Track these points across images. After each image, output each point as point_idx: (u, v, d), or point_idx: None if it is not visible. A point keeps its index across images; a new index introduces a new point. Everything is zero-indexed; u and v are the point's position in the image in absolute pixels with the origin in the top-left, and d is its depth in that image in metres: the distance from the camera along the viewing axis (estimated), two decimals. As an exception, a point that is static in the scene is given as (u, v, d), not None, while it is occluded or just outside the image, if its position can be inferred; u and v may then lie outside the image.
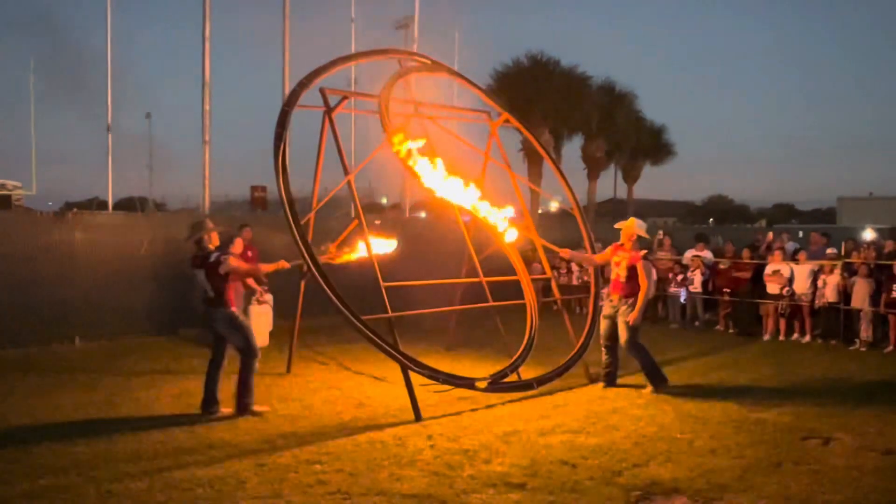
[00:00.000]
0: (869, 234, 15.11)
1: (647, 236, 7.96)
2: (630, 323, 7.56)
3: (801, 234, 15.20)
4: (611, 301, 7.81)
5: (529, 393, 7.36)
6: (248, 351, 6.54)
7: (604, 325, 7.89)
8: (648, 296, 7.64)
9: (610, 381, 7.86)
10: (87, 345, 9.96)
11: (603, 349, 7.90)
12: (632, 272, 7.62)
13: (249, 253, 10.39)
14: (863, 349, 10.30)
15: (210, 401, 6.54)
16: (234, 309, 6.57)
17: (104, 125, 12.36)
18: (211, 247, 6.56)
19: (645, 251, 7.79)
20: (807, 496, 4.69)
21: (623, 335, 7.65)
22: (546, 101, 23.69)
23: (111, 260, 10.41)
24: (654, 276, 8.16)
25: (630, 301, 7.60)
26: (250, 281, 9.81)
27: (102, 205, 13.92)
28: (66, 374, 8.09)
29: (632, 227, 7.76)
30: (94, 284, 10.22)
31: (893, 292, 10.17)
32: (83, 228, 10.26)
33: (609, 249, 8.01)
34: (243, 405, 6.50)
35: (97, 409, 6.63)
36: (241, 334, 6.57)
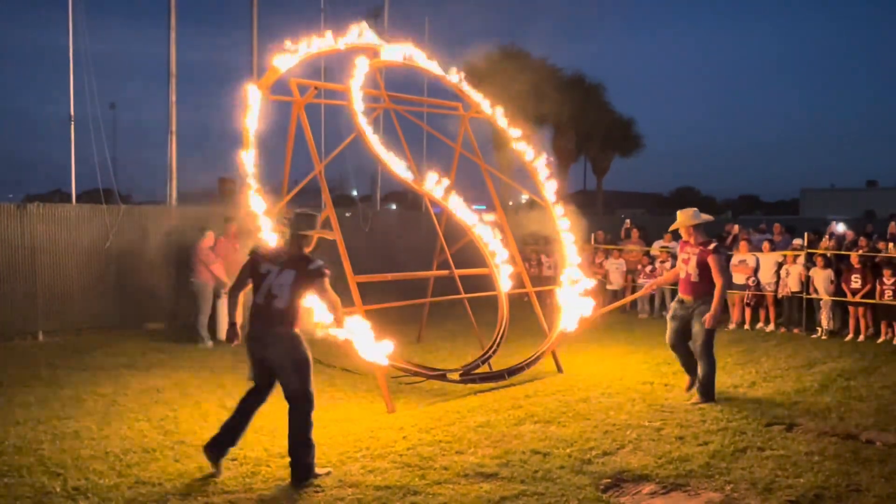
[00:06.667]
0: (841, 227, 15.42)
1: (700, 220, 6.95)
2: (707, 325, 6.72)
3: (762, 224, 15.46)
4: (682, 302, 6.98)
5: (501, 384, 7.41)
6: (304, 395, 4.81)
7: (671, 326, 7.10)
8: (723, 293, 6.84)
9: (696, 383, 6.94)
10: (50, 339, 9.76)
11: (673, 352, 7.20)
12: (704, 269, 6.78)
13: (238, 246, 10.28)
14: (824, 337, 10.56)
15: (225, 442, 4.92)
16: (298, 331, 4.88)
17: (66, 115, 12.05)
18: (307, 249, 4.98)
19: (715, 243, 6.95)
20: (771, 481, 4.81)
21: (699, 338, 6.81)
22: (516, 93, 23.75)
23: (75, 252, 10.21)
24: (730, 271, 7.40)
25: (707, 300, 6.77)
26: (221, 274, 9.72)
27: (65, 197, 13.59)
28: (30, 370, 7.91)
29: (683, 221, 6.95)
30: (57, 278, 10.01)
31: (853, 282, 10.44)
32: (46, 220, 10.03)
33: (679, 252, 7.20)
34: (306, 466, 4.76)
35: (62, 406, 6.50)
36: (301, 373, 4.80)
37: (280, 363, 4.75)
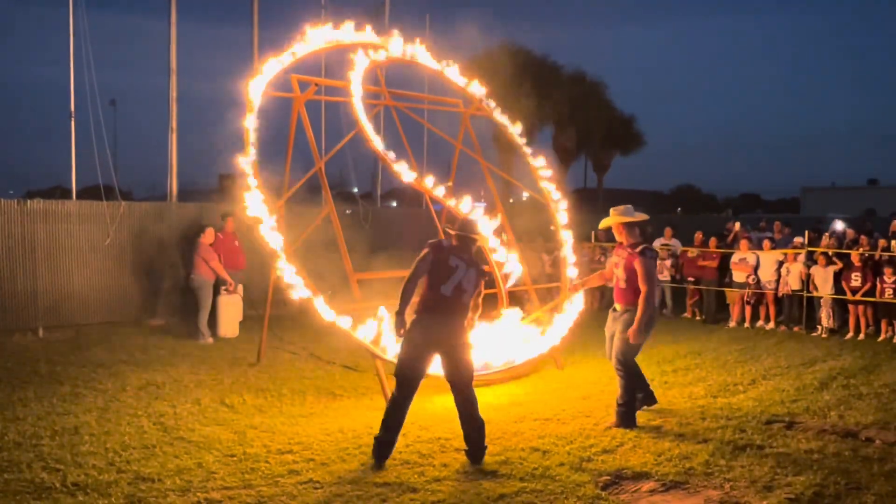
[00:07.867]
0: (840, 225, 15.52)
1: (633, 217, 6.07)
2: (630, 340, 5.81)
3: (762, 223, 15.48)
4: (615, 310, 6.11)
5: (500, 381, 7.40)
6: (469, 381, 5.14)
7: (608, 339, 6.20)
8: (652, 302, 5.80)
9: (629, 416, 5.97)
10: (50, 335, 9.76)
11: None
12: (632, 274, 5.88)
13: (237, 243, 10.28)
14: (824, 336, 10.55)
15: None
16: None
17: (67, 112, 12.03)
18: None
19: (643, 246, 5.95)
20: (770, 479, 4.80)
21: (617, 348, 5.96)
22: (517, 91, 23.75)
23: (75, 249, 10.21)
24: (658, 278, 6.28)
25: (631, 311, 5.87)
26: (221, 271, 9.71)
27: (66, 193, 13.59)
28: (30, 366, 7.92)
29: (613, 221, 6.09)
30: (57, 274, 10.01)
31: (853, 280, 10.43)
32: (46, 217, 10.02)
33: (613, 254, 6.30)
34: (483, 448, 5.10)
35: (62, 401, 6.50)
36: (472, 363, 5.21)
37: (457, 353, 5.06)
